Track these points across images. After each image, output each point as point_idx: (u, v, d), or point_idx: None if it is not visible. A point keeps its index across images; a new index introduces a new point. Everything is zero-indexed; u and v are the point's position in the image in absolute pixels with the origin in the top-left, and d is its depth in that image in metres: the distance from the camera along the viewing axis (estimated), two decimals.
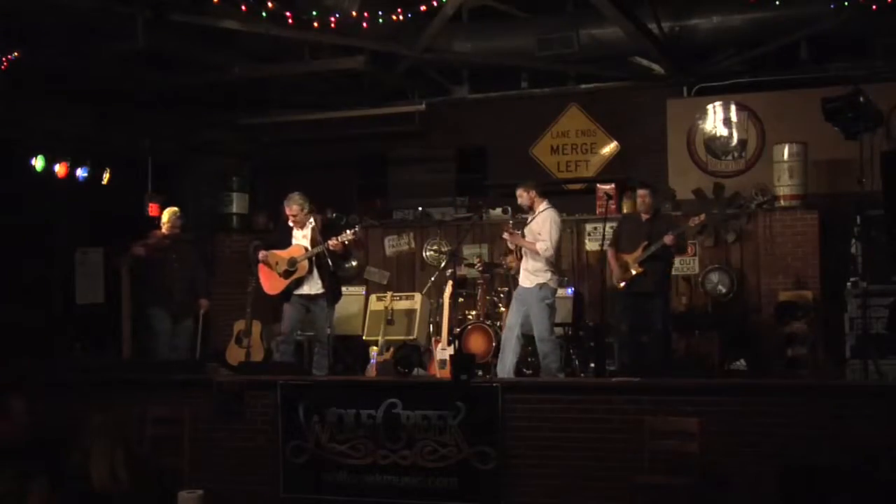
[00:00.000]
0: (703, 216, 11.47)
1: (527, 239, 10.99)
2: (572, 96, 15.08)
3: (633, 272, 11.18)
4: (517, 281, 11.22)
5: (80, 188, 12.86)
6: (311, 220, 11.33)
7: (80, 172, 12.82)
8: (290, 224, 11.37)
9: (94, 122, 13.32)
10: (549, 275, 10.91)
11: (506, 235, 11.16)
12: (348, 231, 11.07)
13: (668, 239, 11.02)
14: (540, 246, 10.83)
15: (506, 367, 10.88)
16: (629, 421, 9.09)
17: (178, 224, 12.14)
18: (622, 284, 11.32)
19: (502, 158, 15.23)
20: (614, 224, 12.02)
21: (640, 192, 11.56)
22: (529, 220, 11.10)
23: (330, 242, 10.95)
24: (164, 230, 12.09)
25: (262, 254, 11.47)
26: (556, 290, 11.19)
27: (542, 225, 10.90)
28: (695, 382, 9.44)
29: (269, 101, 15.36)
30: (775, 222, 13.03)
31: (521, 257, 11.06)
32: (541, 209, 11.05)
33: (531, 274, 10.90)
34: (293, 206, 11.33)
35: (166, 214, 12.16)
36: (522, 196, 11.14)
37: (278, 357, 11.14)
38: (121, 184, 13.43)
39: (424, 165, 15.76)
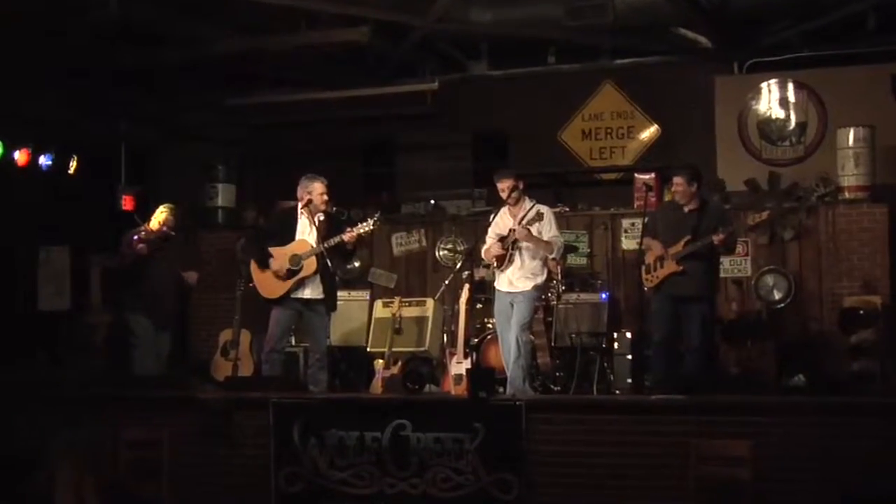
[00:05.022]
0: (765, 213, 11.34)
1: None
2: (607, 73, 15.11)
3: (668, 270, 10.92)
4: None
5: (44, 178, 12.90)
6: (322, 212, 11.18)
7: (44, 160, 12.87)
8: (301, 211, 11.11)
9: (60, 103, 13.37)
10: (545, 275, 11.01)
11: (521, 233, 10.71)
12: (369, 220, 10.98)
13: (716, 238, 10.70)
14: (557, 245, 10.85)
15: (516, 384, 10.78)
16: (672, 444, 9.09)
17: (172, 223, 12.06)
18: (652, 284, 11.10)
19: (526, 144, 15.24)
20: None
21: (676, 179, 11.25)
22: (521, 215, 10.91)
23: (345, 235, 10.84)
24: (155, 227, 12.00)
25: (275, 264, 11.01)
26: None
27: (547, 222, 10.83)
28: (747, 400, 9.42)
29: (259, 80, 15.38)
30: (839, 217, 12.99)
31: (509, 261, 10.96)
32: (530, 204, 10.92)
33: (526, 277, 10.79)
34: (318, 186, 11.06)
35: (164, 211, 12.06)
36: (513, 189, 10.86)
37: (267, 370, 11.10)
38: (90, 173, 13.48)
39: (437, 152, 15.79)
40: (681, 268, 10.84)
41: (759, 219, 11.27)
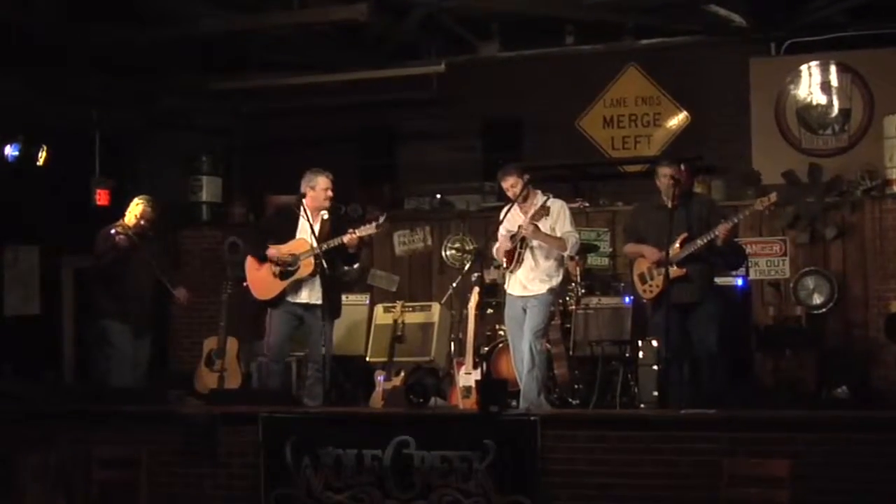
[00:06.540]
0: (772, 196, 10.71)
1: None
2: (631, 55, 15.15)
3: (672, 275, 10.50)
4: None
5: (10, 170, 12.91)
6: (325, 209, 11.19)
7: (10, 150, 12.87)
8: (303, 208, 11.02)
9: (27, 87, 13.36)
10: (561, 276, 10.93)
11: (528, 230, 10.58)
12: (373, 223, 10.95)
13: (721, 230, 10.36)
14: (571, 241, 10.77)
15: (531, 397, 10.77)
16: (702, 463, 9.08)
17: (150, 216, 12.05)
18: (652, 294, 10.82)
19: (541, 133, 15.28)
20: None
21: (665, 170, 10.85)
22: (531, 213, 10.77)
23: (345, 238, 10.83)
24: (131, 221, 11.97)
25: (271, 251, 11.01)
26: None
27: (559, 217, 10.79)
28: (784, 415, 9.43)
29: (248, 62, 15.41)
30: (886, 213, 13.04)
31: (518, 261, 10.94)
32: (539, 200, 10.84)
33: (540, 279, 10.72)
34: (322, 181, 11.07)
35: (140, 203, 12.03)
36: (516, 185, 10.77)
37: (262, 380, 11.07)
38: (61, 165, 13.48)
39: (443, 142, 15.81)
40: (684, 271, 10.52)
41: (769, 202, 10.67)
